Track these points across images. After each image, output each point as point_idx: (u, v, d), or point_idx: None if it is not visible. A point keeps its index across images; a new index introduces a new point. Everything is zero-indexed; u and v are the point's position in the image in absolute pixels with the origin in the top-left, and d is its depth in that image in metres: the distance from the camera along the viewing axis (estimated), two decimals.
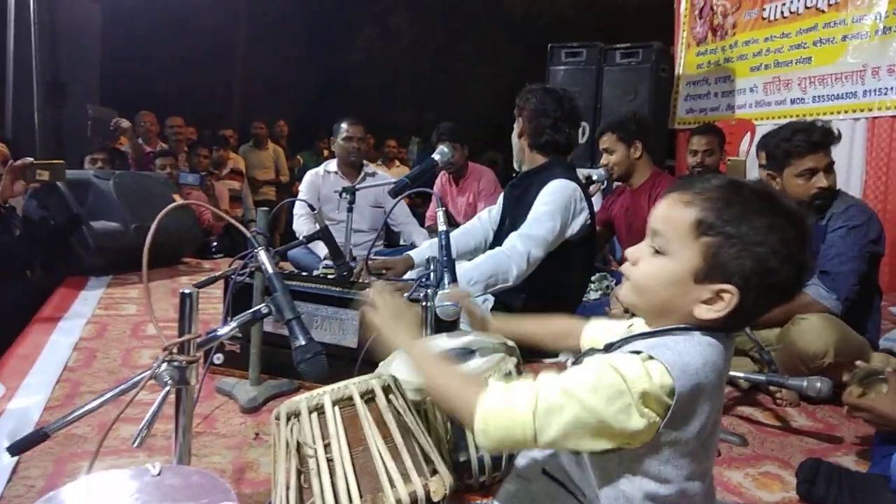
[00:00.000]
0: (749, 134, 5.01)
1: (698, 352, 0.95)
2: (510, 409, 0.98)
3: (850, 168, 4.54)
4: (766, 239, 0.93)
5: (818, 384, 1.96)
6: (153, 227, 1.24)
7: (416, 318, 1.55)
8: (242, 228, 1.53)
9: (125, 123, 5.18)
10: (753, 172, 2.73)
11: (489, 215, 2.83)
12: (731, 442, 2.04)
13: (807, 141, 2.37)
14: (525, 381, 1.02)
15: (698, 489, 0.99)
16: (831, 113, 4.53)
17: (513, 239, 2.35)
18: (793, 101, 4.81)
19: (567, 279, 2.59)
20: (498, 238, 2.65)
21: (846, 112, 4.49)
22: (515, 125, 2.68)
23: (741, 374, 2.21)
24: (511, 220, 2.60)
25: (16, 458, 1.66)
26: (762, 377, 2.13)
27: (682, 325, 0.99)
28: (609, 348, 1.03)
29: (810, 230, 1.00)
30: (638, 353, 0.95)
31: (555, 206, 2.42)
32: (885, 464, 1.76)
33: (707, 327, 0.98)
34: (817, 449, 2.05)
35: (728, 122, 5.16)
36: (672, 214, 0.99)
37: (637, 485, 0.97)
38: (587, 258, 2.74)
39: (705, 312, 0.97)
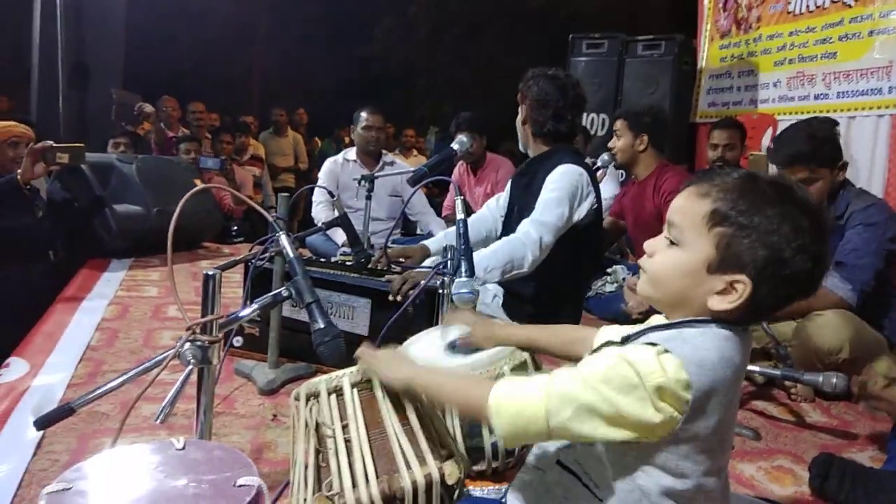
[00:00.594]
0: (771, 129, 4.96)
1: (715, 347, 0.95)
2: (523, 395, 0.99)
3: (872, 165, 4.47)
4: (779, 228, 0.93)
5: (833, 380, 1.95)
6: (178, 209, 1.27)
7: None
8: (264, 212, 1.56)
9: (149, 108, 5.25)
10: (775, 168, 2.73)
11: (497, 203, 2.83)
12: (744, 436, 2.04)
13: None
14: (538, 376, 1.03)
15: (714, 484, 0.99)
16: (855, 109, 4.48)
17: (525, 225, 2.35)
18: (816, 97, 4.75)
19: (576, 264, 2.58)
20: (507, 226, 2.65)
21: (870, 108, 4.42)
22: (519, 111, 2.67)
23: (756, 369, 2.20)
24: (519, 207, 2.60)
25: (41, 434, 1.71)
26: (777, 372, 2.13)
27: (698, 318, 0.99)
28: (626, 341, 1.03)
29: (827, 222, 0.99)
30: (654, 345, 0.95)
31: (562, 191, 2.42)
32: None
33: (723, 320, 0.98)
34: (831, 444, 2.05)
35: (750, 116, 5.11)
36: (687, 206, 1.00)
37: (654, 479, 0.97)
38: (594, 243, 2.73)
39: (718, 303, 0.97)
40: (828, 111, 4.32)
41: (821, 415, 2.29)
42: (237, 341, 2.39)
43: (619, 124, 3.44)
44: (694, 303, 0.99)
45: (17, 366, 2.19)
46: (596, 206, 2.58)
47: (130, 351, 2.44)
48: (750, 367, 2.20)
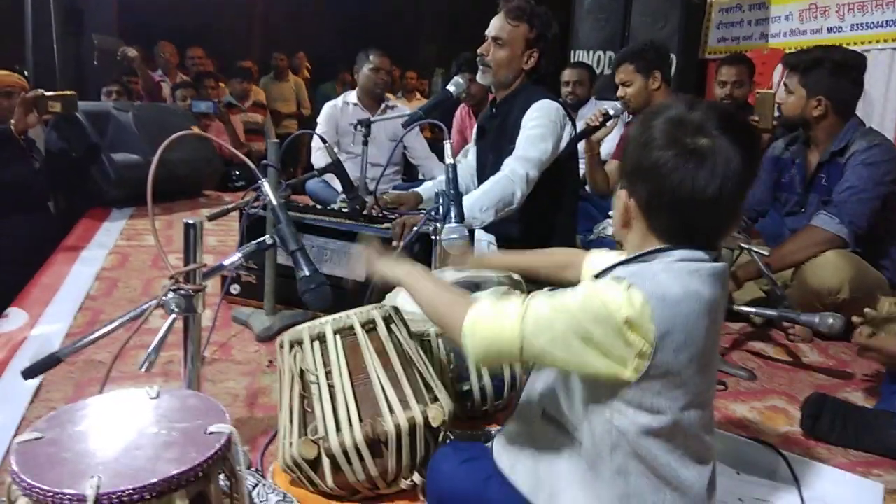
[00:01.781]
0: (782, 64, 4.83)
1: (678, 281, 0.95)
2: (498, 318, 1.01)
3: (886, 101, 4.36)
4: (646, 135, 0.99)
5: (830, 320, 1.93)
6: (157, 153, 1.25)
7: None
8: (247, 161, 1.54)
9: (132, 52, 5.09)
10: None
11: (466, 160, 2.78)
12: (738, 376, 2.05)
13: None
14: (516, 299, 1.03)
15: (694, 419, 0.99)
16: (870, 42, 4.34)
17: (511, 162, 2.32)
18: (829, 30, 4.60)
19: (557, 197, 2.54)
20: (482, 175, 2.58)
21: (885, 41, 4.28)
22: (504, 46, 2.44)
23: (753, 310, 2.19)
24: (496, 150, 2.53)
25: (38, 382, 1.74)
26: (774, 312, 2.10)
27: (657, 248, 0.99)
28: (597, 277, 1.03)
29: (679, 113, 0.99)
30: (621, 279, 0.95)
31: (544, 127, 2.36)
32: (892, 400, 1.77)
33: (676, 245, 0.99)
34: (826, 384, 2.05)
35: (760, 51, 4.97)
36: None
37: (630, 418, 0.97)
38: (574, 174, 2.69)
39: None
40: (840, 44, 4.18)
41: (818, 355, 2.28)
42: (234, 289, 2.40)
43: (623, 72, 3.28)
44: (639, 237, 1.03)
45: (15, 316, 2.21)
46: (573, 134, 2.53)
47: (129, 300, 2.46)
48: (746, 308, 2.19)
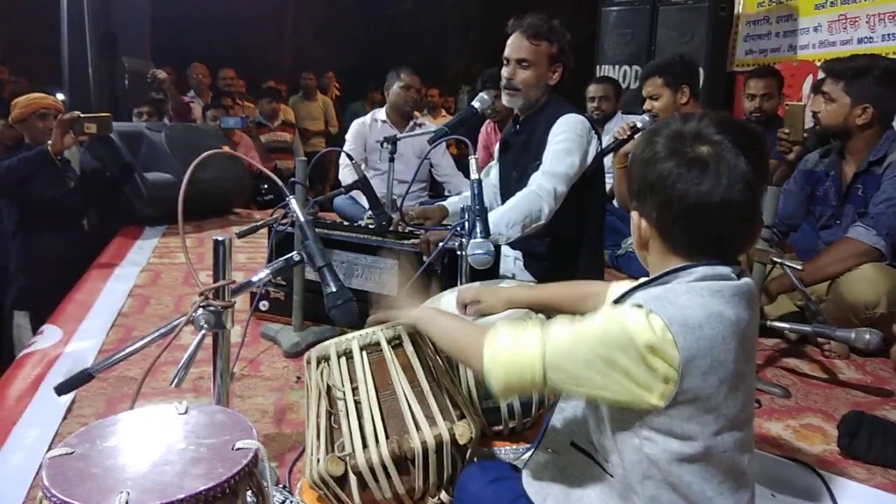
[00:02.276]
0: (811, 76, 4.76)
1: (700, 304, 0.93)
2: (519, 348, 1.01)
3: None
4: (648, 151, 1.00)
5: (867, 336, 1.88)
6: (188, 171, 1.27)
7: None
8: (274, 177, 1.56)
9: (161, 74, 5.22)
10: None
11: (487, 179, 2.76)
12: (773, 394, 2.00)
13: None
14: (534, 327, 1.03)
15: (729, 442, 0.96)
16: None
17: (538, 178, 2.31)
18: (860, 41, 4.53)
19: (584, 213, 2.53)
20: (506, 192, 2.56)
21: None
22: (532, 66, 2.43)
23: (787, 326, 2.15)
24: (521, 167, 2.52)
25: (72, 398, 1.77)
26: (808, 328, 2.06)
27: (676, 267, 0.98)
28: (617, 303, 1.02)
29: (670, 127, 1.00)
30: (640, 306, 0.94)
31: (571, 142, 2.35)
32: None
33: (697, 262, 0.97)
34: (864, 402, 1.99)
35: (789, 63, 4.91)
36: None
37: (660, 446, 0.95)
38: (600, 189, 2.66)
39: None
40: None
41: (855, 371, 2.23)
42: (263, 305, 2.42)
43: (651, 85, 3.26)
44: (658, 256, 1.03)
45: (50, 333, 2.25)
46: (599, 149, 2.52)
47: (161, 317, 2.49)
48: (780, 324, 2.15)
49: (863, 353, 2.23)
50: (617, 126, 4.14)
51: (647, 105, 3.24)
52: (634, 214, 1.03)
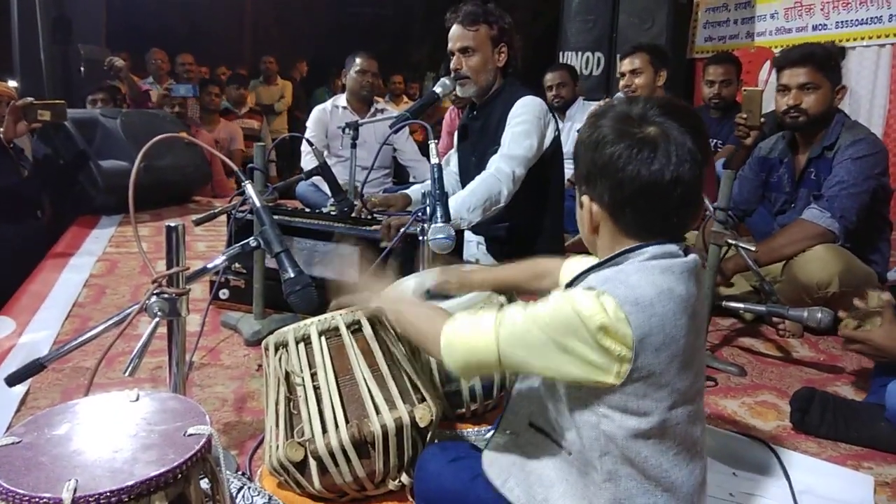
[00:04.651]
0: (769, 62, 4.85)
1: (650, 282, 0.94)
2: (473, 332, 1.02)
3: (873, 97, 4.39)
4: (595, 135, 0.99)
5: (818, 314, 1.93)
6: (139, 155, 1.25)
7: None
8: (230, 163, 1.53)
9: (119, 62, 5.10)
10: (771, 104, 2.64)
11: (448, 168, 2.77)
12: (729, 372, 2.05)
13: (784, 56, 2.40)
14: (489, 312, 1.04)
15: (682, 415, 0.99)
16: (855, 39, 4.37)
17: (496, 161, 2.32)
18: (815, 28, 4.63)
19: (542, 195, 2.55)
20: (465, 178, 2.57)
21: (870, 38, 4.31)
22: (478, 51, 2.46)
23: (741, 306, 2.19)
24: (479, 152, 2.52)
25: (26, 389, 1.73)
26: (762, 308, 2.11)
27: (627, 248, 0.99)
28: (569, 286, 1.03)
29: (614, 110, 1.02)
30: (592, 289, 0.95)
31: (529, 124, 2.37)
32: (881, 393, 1.76)
33: (647, 241, 0.99)
34: (817, 379, 2.05)
35: (747, 50, 4.99)
36: None
37: (617, 422, 0.96)
38: (558, 171, 2.69)
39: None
40: (826, 42, 4.20)
41: (808, 350, 2.29)
42: (223, 294, 2.39)
43: (639, 59, 3.26)
44: (605, 237, 1.03)
45: (3, 324, 2.20)
46: (556, 133, 2.54)
47: (117, 307, 2.44)
48: (735, 304, 2.20)
49: (816, 332, 2.29)
50: (579, 112, 4.18)
51: (626, 81, 3.27)
52: (585, 199, 1.03)
